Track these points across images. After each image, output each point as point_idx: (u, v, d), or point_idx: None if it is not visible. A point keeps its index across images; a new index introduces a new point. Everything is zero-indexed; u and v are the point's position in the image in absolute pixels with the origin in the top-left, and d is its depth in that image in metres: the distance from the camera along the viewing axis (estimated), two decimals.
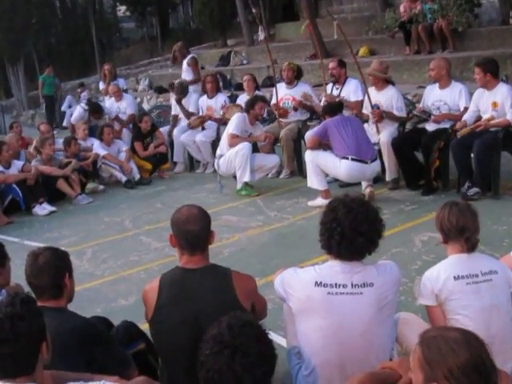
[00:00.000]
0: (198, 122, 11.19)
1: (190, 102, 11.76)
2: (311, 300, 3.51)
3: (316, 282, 3.51)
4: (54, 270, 3.47)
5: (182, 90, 11.86)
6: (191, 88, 12.19)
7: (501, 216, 7.21)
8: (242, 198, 9.22)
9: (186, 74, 12.93)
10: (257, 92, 10.77)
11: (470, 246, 3.89)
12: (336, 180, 9.15)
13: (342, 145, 8.07)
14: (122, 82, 13.79)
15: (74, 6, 32.01)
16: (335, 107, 8.53)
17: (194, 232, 3.65)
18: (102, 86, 14.05)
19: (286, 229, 7.72)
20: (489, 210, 7.45)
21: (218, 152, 9.60)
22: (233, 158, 9.20)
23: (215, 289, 3.58)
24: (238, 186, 9.33)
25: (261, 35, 21.23)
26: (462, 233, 3.85)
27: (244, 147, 9.18)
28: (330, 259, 3.62)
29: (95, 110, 12.08)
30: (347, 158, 8.03)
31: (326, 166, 8.25)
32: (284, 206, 8.57)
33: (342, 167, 8.10)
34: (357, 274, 3.51)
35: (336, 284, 3.49)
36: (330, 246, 3.55)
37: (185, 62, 13.02)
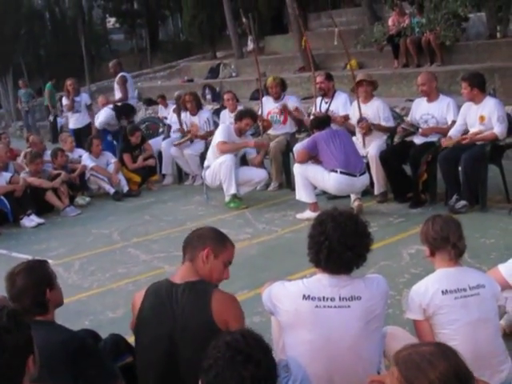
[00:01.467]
0: (183, 141, 11.17)
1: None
2: (299, 313, 3.51)
3: (304, 295, 3.52)
4: (33, 290, 3.44)
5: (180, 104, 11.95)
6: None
7: (488, 229, 7.24)
8: (230, 210, 9.22)
9: (116, 92, 13.13)
10: (239, 108, 10.74)
11: (458, 253, 3.92)
12: (324, 193, 9.18)
13: (330, 158, 8.09)
14: (85, 98, 13.76)
15: (63, 17, 32.01)
16: (323, 121, 8.56)
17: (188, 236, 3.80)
18: (65, 101, 13.84)
19: (274, 241, 7.73)
20: (476, 223, 7.50)
21: (206, 163, 9.60)
22: (217, 169, 9.21)
23: (193, 308, 3.52)
24: (227, 198, 9.33)
25: (250, 45, 21.30)
26: (447, 240, 3.87)
27: (227, 159, 9.17)
28: (317, 272, 3.63)
29: (127, 111, 12.02)
30: (336, 171, 8.05)
31: (314, 179, 8.27)
32: (272, 219, 8.58)
33: (330, 180, 8.12)
34: (344, 288, 3.52)
35: (324, 297, 3.50)
36: (318, 260, 3.56)
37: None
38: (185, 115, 11.56)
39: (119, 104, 12.93)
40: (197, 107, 11.46)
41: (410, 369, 2.48)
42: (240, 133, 9.37)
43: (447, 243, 3.88)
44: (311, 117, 9.77)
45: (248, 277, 6.34)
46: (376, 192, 8.88)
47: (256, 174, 9.59)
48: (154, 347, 3.48)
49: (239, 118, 9.37)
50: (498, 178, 8.31)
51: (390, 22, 15.99)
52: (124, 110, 12.44)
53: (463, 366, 2.47)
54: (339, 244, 3.46)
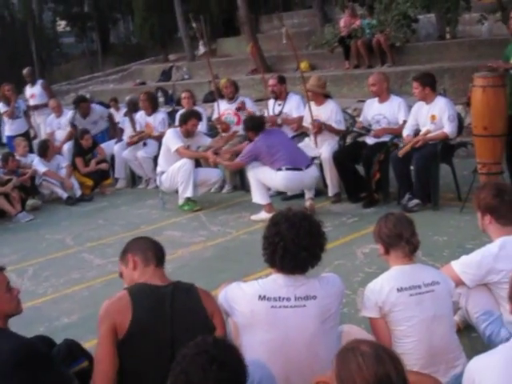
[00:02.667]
0: (136, 139, 11.14)
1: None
2: (255, 314, 3.53)
3: (259, 296, 3.53)
4: None
5: (134, 106, 11.97)
6: (47, 110, 12.97)
7: (441, 227, 7.33)
8: (184, 213, 9.19)
9: (40, 97, 13.16)
10: (194, 108, 10.72)
11: (412, 248, 3.97)
12: (279, 193, 9.23)
13: (272, 160, 8.17)
14: (22, 103, 13.50)
15: (13, 20, 31.63)
16: (258, 124, 8.55)
17: (159, 244, 3.91)
18: (2, 108, 13.22)
19: (229, 243, 7.73)
20: (429, 221, 7.59)
21: (159, 169, 9.56)
22: (175, 173, 9.15)
23: (189, 308, 3.56)
24: (180, 201, 9.29)
25: (201, 50, 21.21)
26: (401, 237, 3.93)
27: (187, 163, 9.15)
28: (273, 273, 3.65)
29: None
30: (282, 169, 8.12)
31: (265, 179, 8.31)
32: (227, 221, 8.58)
33: (278, 179, 8.19)
34: (300, 288, 3.54)
35: (279, 297, 3.52)
36: (273, 260, 3.58)
37: (38, 87, 13.19)
38: (140, 115, 11.54)
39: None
40: (152, 107, 11.43)
41: (342, 367, 2.54)
42: (188, 134, 9.33)
43: (401, 240, 3.92)
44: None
45: (203, 279, 6.27)
46: (330, 193, 8.94)
47: (211, 175, 9.58)
48: (157, 353, 3.43)
49: (184, 120, 9.29)
50: (450, 177, 8.41)
51: (341, 24, 16.10)
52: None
53: (394, 375, 2.48)
54: (294, 244, 3.49)
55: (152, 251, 3.81)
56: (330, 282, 3.67)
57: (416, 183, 8.05)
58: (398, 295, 3.83)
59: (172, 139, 9.25)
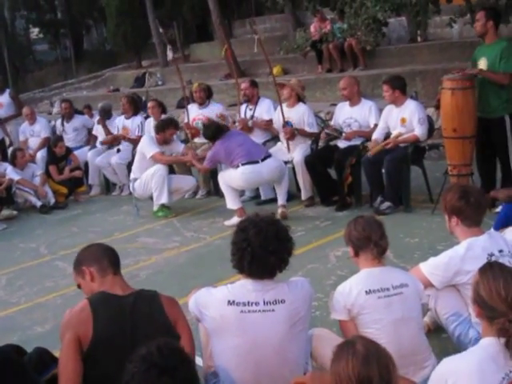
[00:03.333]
0: (111, 139, 11.15)
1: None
2: (225, 319, 3.56)
3: (229, 301, 3.56)
4: None
5: (106, 113, 11.98)
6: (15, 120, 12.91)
7: (412, 229, 7.40)
8: (158, 219, 9.20)
9: (8, 107, 12.96)
10: (163, 116, 10.72)
11: (381, 251, 4.01)
12: (253, 198, 9.28)
13: (231, 160, 8.31)
14: None
15: None
16: (214, 131, 8.61)
17: (113, 251, 3.85)
18: None
19: (203, 249, 7.75)
20: (400, 223, 7.67)
21: (132, 176, 9.55)
22: (149, 179, 9.15)
23: (151, 316, 3.54)
24: (155, 207, 9.28)
25: (169, 55, 21.20)
26: (369, 239, 3.98)
27: (160, 168, 9.16)
28: (242, 278, 3.68)
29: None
30: (239, 166, 8.21)
31: (230, 181, 8.37)
32: (201, 226, 8.60)
33: (237, 176, 8.26)
34: (268, 292, 3.58)
35: (248, 302, 3.55)
36: (241, 266, 3.61)
37: (6, 96, 13.03)
38: (119, 119, 11.55)
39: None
40: (132, 111, 11.43)
41: (333, 361, 2.72)
42: (164, 142, 9.34)
43: (370, 242, 3.97)
44: (236, 124, 9.85)
45: (177, 285, 6.34)
46: (303, 197, 8.99)
47: (185, 182, 9.61)
48: (120, 364, 3.19)
49: (162, 128, 9.31)
50: (422, 179, 8.49)
51: (312, 29, 16.17)
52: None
53: (378, 379, 2.62)
54: (261, 250, 3.52)
55: (107, 259, 3.77)
56: (298, 285, 3.70)
57: (387, 186, 8.11)
58: (366, 298, 3.88)
59: (147, 146, 9.26)
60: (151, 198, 9.36)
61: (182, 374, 2.63)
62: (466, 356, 3.04)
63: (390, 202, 8.09)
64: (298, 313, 3.60)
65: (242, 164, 8.19)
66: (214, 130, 8.60)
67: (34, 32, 34.39)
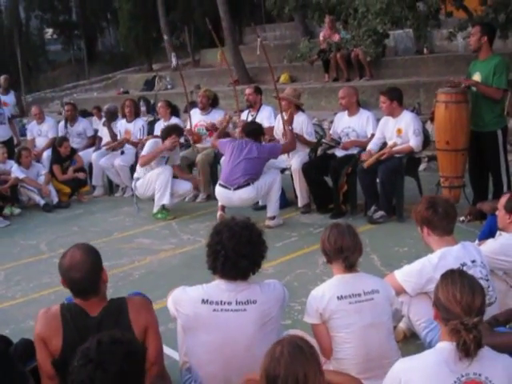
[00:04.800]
0: (115, 144, 11.33)
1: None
2: (198, 316, 3.73)
3: (203, 300, 3.74)
4: None
5: (112, 115, 12.12)
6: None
7: (403, 238, 7.52)
8: (157, 221, 9.37)
9: (13, 108, 13.33)
10: (173, 118, 10.89)
11: (348, 265, 4.13)
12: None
13: (223, 169, 8.64)
14: (6, 111, 13.12)
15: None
16: (252, 131, 8.70)
17: (79, 280, 3.62)
18: None
19: (197, 251, 7.86)
20: (392, 232, 7.83)
21: (135, 175, 9.74)
22: (153, 180, 9.33)
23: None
24: (155, 209, 9.45)
25: (173, 62, 21.47)
26: (340, 253, 4.10)
27: (165, 170, 9.37)
28: (216, 278, 3.85)
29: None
30: (219, 183, 8.56)
31: None
32: (197, 229, 8.74)
33: (216, 191, 8.63)
34: (241, 292, 3.75)
35: (221, 301, 3.72)
36: (215, 267, 3.79)
37: (12, 96, 13.42)
38: (121, 123, 11.71)
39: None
40: (135, 114, 11.62)
41: (265, 359, 2.91)
42: (169, 148, 9.51)
43: (341, 254, 4.12)
44: (237, 129, 9.98)
45: (168, 286, 6.38)
46: (300, 204, 9.13)
47: (181, 187, 9.73)
48: None
49: (167, 134, 9.49)
50: (416, 189, 8.63)
51: (320, 37, 16.30)
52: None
53: (302, 376, 2.79)
54: (234, 253, 3.69)
55: (76, 286, 3.70)
56: (271, 287, 3.87)
57: (381, 195, 8.26)
58: (337, 303, 4.02)
59: (147, 147, 9.47)
60: (151, 199, 9.53)
61: (118, 367, 2.71)
62: (420, 357, 3.20)
63: (383, 212, 8.23)
64: (269, 313, 3.76)
65: (219, 184, 8.51)
66: (253, 129, 8.76)
67: (48, 32, 34.60)
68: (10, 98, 13.49)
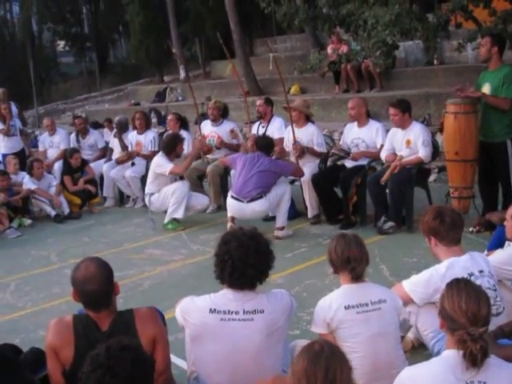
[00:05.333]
0: (125, 157, 11.39)
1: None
2: (206, 326, 3.75)
3: (210, 309, 3.76)
4: None
5: (122, 127, 12.18)
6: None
7: (412, 249, 7.51)
8: (167, 232, 9.41)
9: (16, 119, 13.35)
10: (182, 131, 10.88)
11: (355, 276, 4.15)
12: None
13: (233, 182, 8.69)
14: (18, 122, 13.51)
15: (12, 39, 31.91)
16: (264, 145, 8.76)
17: (93, 292, 3.66)
18: None
19: (207, 262, 7.81)
20: (402, 242, 7.85)
21: (147, 190, 9.76)
22: (169, 194, 9.38)
23: None
24: (166, 220, 9.50)
25: (182, 74, 21.56)
26: (347, 264, 4.12)
27: (183, 185, 9.45)
28: (224, 288, 3.88)
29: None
30: (230, 195, 8.61)
31: None
32: (208, 240, 8.75)
33: (227, 201, 8.68)
34: (248, 302, 3.77)
35: (229, 311, 3.75)
36: (222, 277, 3.82)
37: (14, 108, 13.46)
38: (131, 135, 11.77)
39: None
40: (145, 126, 11.68)
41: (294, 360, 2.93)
42: (176, 157, 9.57)
43: (347, 265, 4.14)
44: (248, 140, 10.00)
45: (177, 296, 6.36)
46: (309, 215, 9.16)
47: (198, 202, 9.78)
48: None
49: (173, 147, 9.51)
50: (426, 200, 8.63)
51: (328, 50, 16.36)
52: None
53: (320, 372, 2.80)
54: (242, 262, 3.72)
55: (89, 299, 3.72)
56: (278, 297, 3.89)
57: (391, 206, 8.27)
58: (345, 313, 4.04)
59: (162, 165, 9.47)
60: (165, 211, 9.57)
61: (127, 372, 2.75)
62: (426, 365, 3.22)
63: (392, 222, 8.24)
64: (275, 323, 3.78)
65: (232, 196, 8.55)
66: (265, 144, 8.82)
67: (60, 45, 34.83)
68: (13, 110, 13.60)
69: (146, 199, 9.80)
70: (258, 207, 8.43)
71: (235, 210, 8.54)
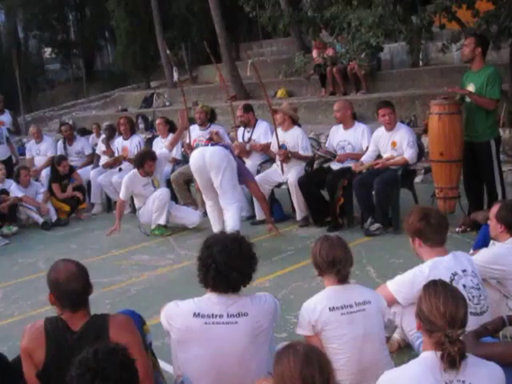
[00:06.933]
0: (112, 161, 11.40)
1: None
2: (190, 330, 3.76)
3: (194, 313, 3.77)
4: None
5: (111, 133, 12.23)
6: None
7: (398, 250, 7.52)
8: (155, 237, 9.45)
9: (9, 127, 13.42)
10: (171, 135, 10.88)
11: (341, 278, 4.18)
12: (248, 218, 9.47)
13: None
14: (4, 129, 13.23)
15: None
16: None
17: (77, 291, 3.68)
18: None
19: (195, 266, 7.81)
20: (388, 244, 7.86)
21: (137, 205, 9.86)
22: (150, 203, 9.48)
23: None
24: (152, 226, 9.56)
25: (175, 76, 21.54)
26: (332, 266, 4.13)
27: (163, 193, 9.51)
28: (207, 292, 3.89)
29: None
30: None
31: None
32: (195, 245, 8.61)
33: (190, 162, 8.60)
34: (232, 305, 3.78)
35: (213, 314, 3.76)
36: (206, 281, 3.84)
37: (8, 115, 13.66)
38: (118, 141, 11.78)
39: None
40: (130, 131, 11.68)
41: (276, 363, 2.95)
42: (147, 174, 9.58)
43: (333, 268, 4.15)
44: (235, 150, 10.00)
45: (164, 301, 6.28)
46: (298, 218, 9.17)
47: (187, 219, 9.76)
48: None
49: (141, 163, 9.54)
50: (412, 201, 8.65)
51: (314, 54, 16.37)
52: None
53: (319, 376, 2.80)
54: (225, 266, 3.74)
55: (72, 298, 3.72)
56: (262, 300, 3.90)
57: (377, 207, 8.28)
58: (329, 314, 4.05)
59: (122, 187, 9.66)
60: None
61: (117, 375, 2.78)
62: (405, 368, 3.25)
63: (379, 224, 8.26)
64: (260, 326, 3.79)
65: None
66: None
67: (47, 52, 34.76)
68: (6, 118, 13.62)
69: (137, 213, 9.86)
70: (218, 149, 8.23)
71: (196, 160, 8.28)
